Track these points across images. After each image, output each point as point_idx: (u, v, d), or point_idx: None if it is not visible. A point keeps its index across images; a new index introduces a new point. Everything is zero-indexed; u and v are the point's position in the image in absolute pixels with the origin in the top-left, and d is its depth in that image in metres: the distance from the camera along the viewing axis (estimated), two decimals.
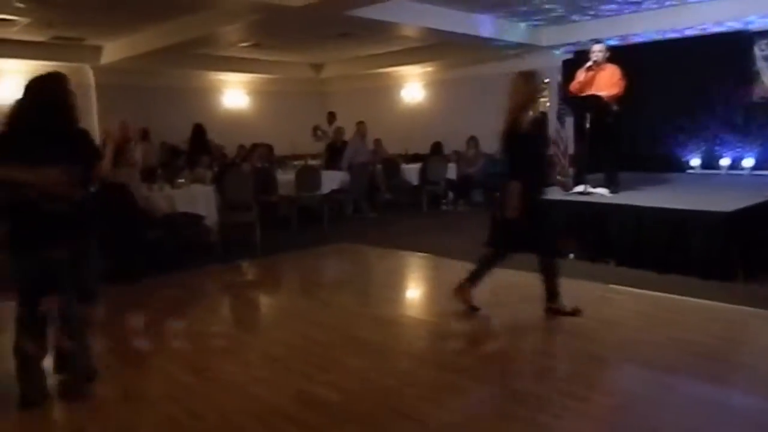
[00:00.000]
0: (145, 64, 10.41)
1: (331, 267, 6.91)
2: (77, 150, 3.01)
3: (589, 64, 6.27)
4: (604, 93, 6.19)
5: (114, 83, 10.93)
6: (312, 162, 10.18)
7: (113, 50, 10.16)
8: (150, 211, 6.12)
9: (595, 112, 6.27)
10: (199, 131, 10.83)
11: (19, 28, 8.59)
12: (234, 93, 13.15)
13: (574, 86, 6.43)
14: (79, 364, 3.13)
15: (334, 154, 10.28)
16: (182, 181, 6.98)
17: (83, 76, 10.89)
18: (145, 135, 10.61)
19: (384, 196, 10.11)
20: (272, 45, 10.59)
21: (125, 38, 9.66)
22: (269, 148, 9.66)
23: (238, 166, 8.25)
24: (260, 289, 6.05)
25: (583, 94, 6.32)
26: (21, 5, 7.33)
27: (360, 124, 10.02)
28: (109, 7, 7.63)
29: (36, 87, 2.95)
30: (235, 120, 12.69)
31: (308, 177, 8.45)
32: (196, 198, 6.70)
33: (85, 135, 3.10)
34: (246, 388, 3.25)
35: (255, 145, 9.76)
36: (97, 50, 10.31)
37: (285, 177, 8.32)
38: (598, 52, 6.29)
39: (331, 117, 11.30)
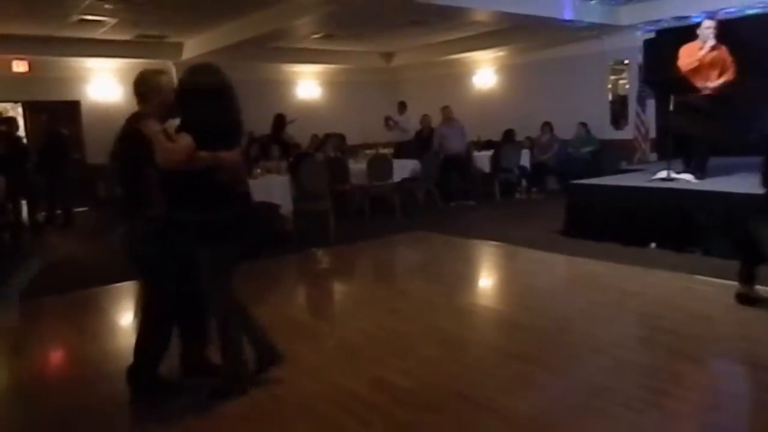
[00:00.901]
0: (223, 59, 10.71)
1: (405, 255, 6.95)
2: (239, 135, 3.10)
3: (712, 43, 5.88)
4: (722, 79, 5.87)
5: None
6: (383, 151, 10.22)
7: (193, 46, 10.56)
8: None
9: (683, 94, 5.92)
10: (278, 122, 10.84)
11: (106, 28, 9.09)
12: (307, 84, 13.38)
13: (689, 64, 5.97)
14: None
15: (421, 143, 10.23)
16: (259, 171, 7.19)
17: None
18: None
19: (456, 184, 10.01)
20: (343, 36, 10.68)
21: (204, 34, 10.02)
22: (341, 137, 9.79)
23: (311, 155, 8.40)
24: (336, 278, 6.16)
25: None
26: (110, 7, 7.75)
27: (444, 108, 9.80)
28: (189, 6, 7.93)
29: (207, 75, 2.96)
30: (308, 111, 12.91)
31: (380, 166, 8.50)
32: (272, 188, 6.89)
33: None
34: (324, 374, 3.33)
35: (328, 135, 9.92)
36: (179, 47, 10.75)
37: (357, 166, 8.40)
38: (713, 28, 5.87)
39: (402, 107, 11.24)
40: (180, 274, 2.98)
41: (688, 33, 9.26)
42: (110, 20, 8.59)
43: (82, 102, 10.94)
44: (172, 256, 2.94)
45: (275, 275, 6.01)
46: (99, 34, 9.45)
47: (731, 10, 8.49)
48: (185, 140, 2.78)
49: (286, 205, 6.93)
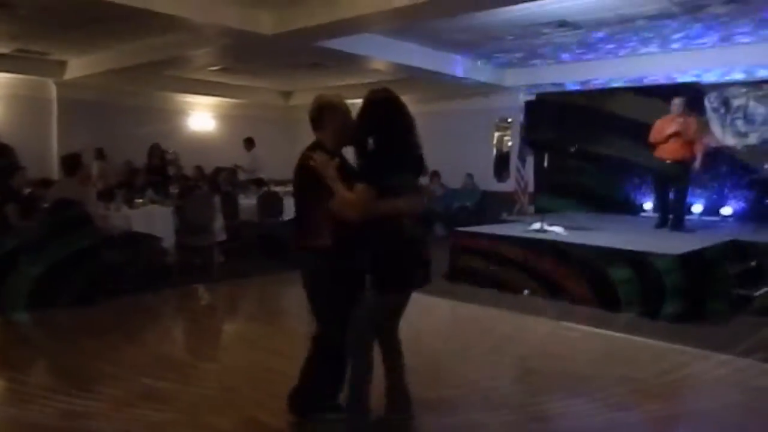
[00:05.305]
0: (111, 82, 10.30)
1: (291, 294, 6.83)
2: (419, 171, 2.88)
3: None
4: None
5: (77, 99, 10.76)
6: (275, 188, 10.10)
7: (78, 66, 10.02)
8: (106, 229, 6.00)
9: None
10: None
11: None
12: (200, 116, 13.09)
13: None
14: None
15: None
16: (140, 201, 6.89)
17: (45, 91, 10.70)
18: (100, 154, 10.38)
19: None
20: (241, 70, 10.62)
21: (92, 55, 9.55)
22: (233, 172, 9.61)
23: (199, 188, 8.17)
24: (218, 315, 5.96)
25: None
26: None
27: None
28: (80, 24, 7.55)
29: (393, 107, 2.79)
30: (200, 143, 12.60)
31: (270, 203, 8.42)
32: (154, 219, 6.61)
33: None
34: (197, 414, 3.20)
35: (218, 169, 9.70)
36: (62, 65, 10.16)
37: (247, 202, 8.27)
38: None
39: (249, 144, 10.71)
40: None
41: (563, 98, 10.23)
42: None
43: None
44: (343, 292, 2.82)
45: (153, 311, 5.70)
46: None
47: (599, 81, 9.44)
48: (365, 195, 2.60)
49: (168, 238, 6.65)
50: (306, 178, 2.76)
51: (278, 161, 11.94)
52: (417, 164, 2.82)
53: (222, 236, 7.23)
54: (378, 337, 2.90)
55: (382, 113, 2.75)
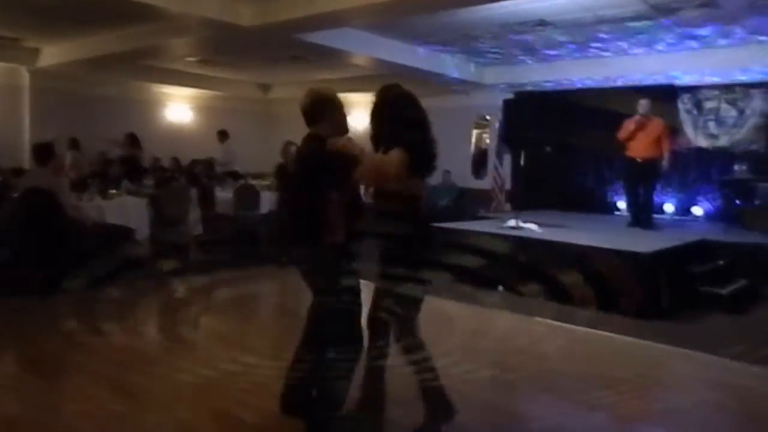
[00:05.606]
0: (86, 71, 10.11)
1: (265, 289, 6.82)
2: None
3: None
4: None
5: (50, 88, 10.54)
6: (252, 182, 10.03)
7: (52, 54, 9.82)
8: (78, 220, 5.90)
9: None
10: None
11: None
12: (177, 107, 12.92)
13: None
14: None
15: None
16: (114, 192, 6.79)
17: (17, 78, 10.47)
18: (74, 144, 10.20)
19: None
20: (220, 62, 10.50)
21: (67, 43, 9.36)
22: (209, 164, 9.52)
23: (176, 180, 8.08)
24: (190, 309, 5.89)
25: None
26: None
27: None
28: (52, 11, 7.39)
29: (409, 103, 2.88)
30: (177, 134, 12.45)
31: (247, 196, 8.36)
32: (128, 210, 6.52)
33: None
34: (166, 409, 3.17)
35: (195, 161, 9.61)
36: (35, 52, 9.94)
37: (223, 195, 8.20)
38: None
39: (223, 136, 10.54)
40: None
41: (541, 97, 10.31)
42: None
43: None
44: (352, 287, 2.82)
45: (126, 303, 5.63)
46: None
47: (577, 81, 9.53)
48: (401, 158, 2.63)
49: (142, 230, 6.57)
50: (320, 168, 2.74)
51: (256, 154, 11.94)
52: (431, 159, 2.85)
53: (197, 229, 7.17)
54: (370, 332, 2.90)
55: (398, 108, 2.81)
